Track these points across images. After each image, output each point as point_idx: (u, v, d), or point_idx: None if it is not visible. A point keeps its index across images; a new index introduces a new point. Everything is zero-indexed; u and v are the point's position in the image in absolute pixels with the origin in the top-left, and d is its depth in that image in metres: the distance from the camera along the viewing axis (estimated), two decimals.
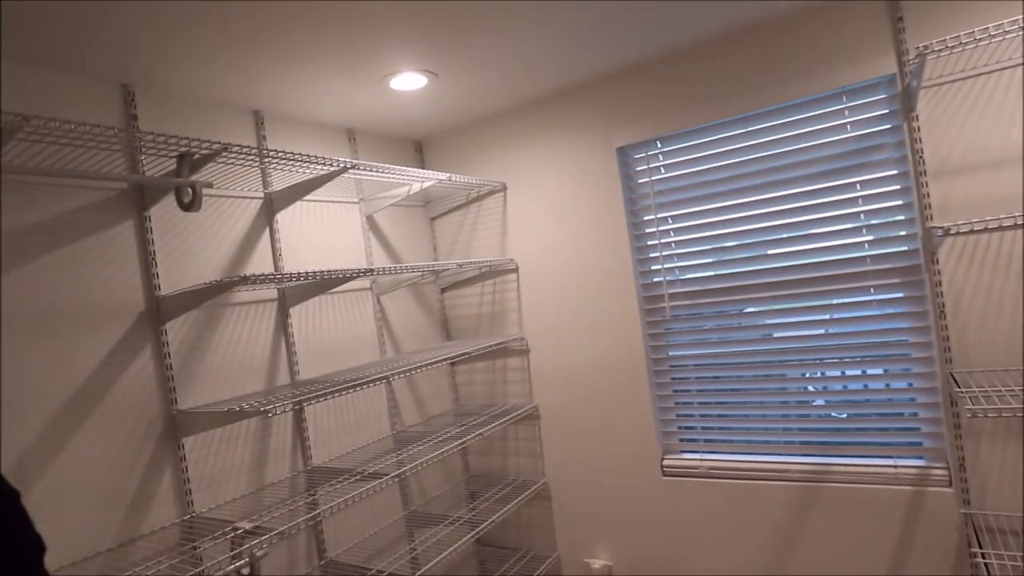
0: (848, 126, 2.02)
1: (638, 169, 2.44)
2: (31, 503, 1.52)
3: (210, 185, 1.63)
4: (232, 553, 1.55)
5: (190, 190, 1.62)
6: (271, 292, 2.17)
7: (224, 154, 1.64)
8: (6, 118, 1.27)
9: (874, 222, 2.01)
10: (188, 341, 1.91)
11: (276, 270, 2.20)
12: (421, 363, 2.16)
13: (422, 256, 2.91)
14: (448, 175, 2.40)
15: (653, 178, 2.40)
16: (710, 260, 2.31)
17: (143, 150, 1.67)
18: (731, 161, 2.22)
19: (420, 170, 2.29)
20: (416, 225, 2.90)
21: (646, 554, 2.48)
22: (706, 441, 2.38)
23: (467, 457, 2.96)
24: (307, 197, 2.36)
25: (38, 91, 1.65)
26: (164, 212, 1.89)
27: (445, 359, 2.29)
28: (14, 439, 1.51)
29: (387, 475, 1.96)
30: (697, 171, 2.30)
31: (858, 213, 2.03)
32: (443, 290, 2.97)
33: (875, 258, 2.02)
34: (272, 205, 2.21)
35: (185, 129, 1.99)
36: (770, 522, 2.19)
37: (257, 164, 1.91)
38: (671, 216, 2.38)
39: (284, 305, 2.20)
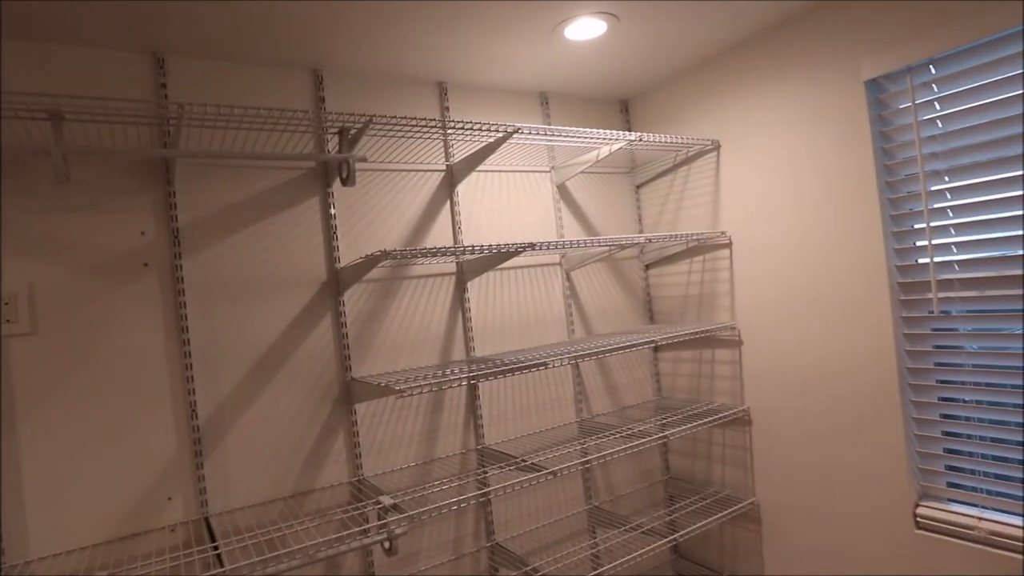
0: None
1: (899, 108, 1.77)
2: (226, 447, 1.74)
3: (364, 159, 1.62)
4: (367, 527, 1.56)
5: (346, 165, 1.64)
6: (449, 266, 2.15)
7: (372, 126, 1.62)
8: (208, 109, 1.40)
9: None
10: (365, 312, 1.99)
11: (455, 243, 2.17)
12: (604, 348, 1.92)
13: (625, 228, 2.62)
14: (639, 135, 2.07)
15: (921, 119, 1.72)
16: (1010, 234, 1.57)
17: (309, 128, 1.75)
18: None
19: (604, 131, 2.02)
20: (619, 194, 2.62)
21: None
22: (990, 493, 1.67)
23: (667, 456, 2.63)
24: (493, 167, 2.27)
25: (229, 82, 1.83)
26: (347, 188, 1.98)
27: (632, 345, 2.00)
28: (214, 390, 1.74)
29: (561, 466, 1.79)
30: (996, 103, 1.57)
31: None
32: (647, 267, 2.64)
33: None
34: (453, 177, 2.17)
35: (372, 107, 2.05)
36: None
37: (411, 135, 1.87)
38: (948, 171, 1.68)
39: (462, 279, 2.17)
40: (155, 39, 1.63)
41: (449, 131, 1.82)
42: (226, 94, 1.81)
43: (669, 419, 2.23)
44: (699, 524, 2.12)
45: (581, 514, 2.37)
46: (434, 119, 1.67)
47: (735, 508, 2.21)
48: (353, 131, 1.66)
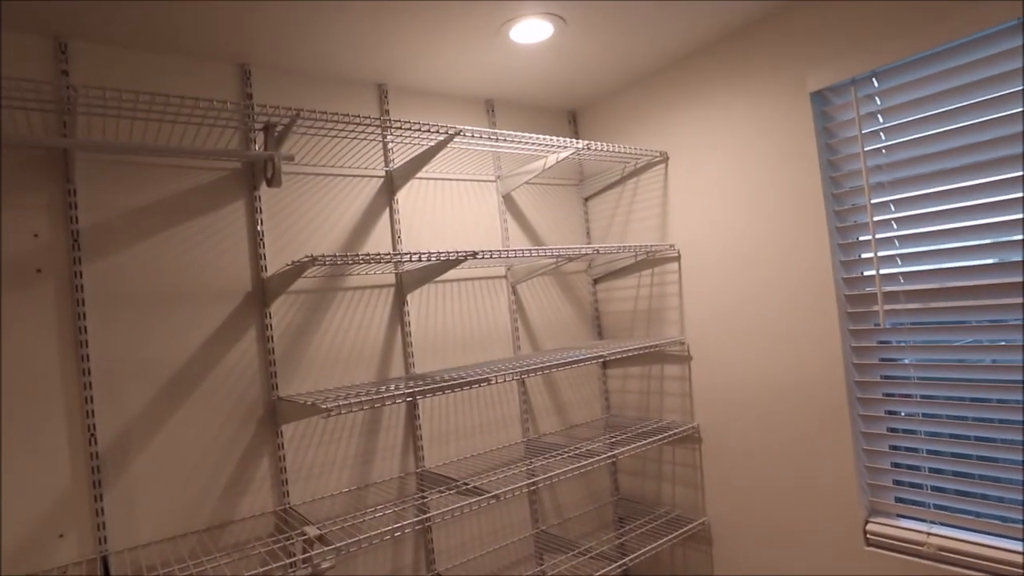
0: None
1: (843, 120, 1.77)
2: (131, 476, 1.55)
3: (291, 158, 1.50)
4: (289, 560, 1.41)
5: (271, 164, 1.51)
6: (387, 277, 2.03)
7: (300, 122, 1.50)
8: (107, 94, 1.25)
9: None
10: (295, 325, 1.84)
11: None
12: (549, 363, 1.83)
13: (573, 241, 2.55)
14: (586, 143, 2.01)
15: (865, 131, 1.72)
16: (955, 246, 1.57)
17: (230, 123, 1.61)
18: (990, 97, 1.47)
19: (551, 137, 1.95)
20: (567, 206, 2.55)
21: None
22: (938, 508, 1.65)
23: (616, 476, 2.54)
24: (435, 175, 2.17)
25: (143, 72, 1.67)
26: (275, 193, 1.84)
27: (579, 360, 1.92)
28: (118, 411, 1.55)
29: (504, 489, 1.67)
30: (939, 115, 1.58)
31: None
32: (596, 281, 2.58)
33: None
34: (392, 183, 2.06)
35: (305, 106, 1.92)
36: None
37: (345, 134, 1.75)
38: (892, 183, 1.68)
39: (401, 291, 2.05)
40: (57, 21, 1.47)
41: (386, 132, 1.71)
42: (139, 86, 1.66)
43: (618, 437, 2.15)
44: (649, 547, 2.04)
45: (528, 539, 2.25)
46: (368, 116, 1.56)
47: (685, 529, 2.13)
48: (280, 127, 1.53)
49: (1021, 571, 1.45)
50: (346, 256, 1.49)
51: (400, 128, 1.66)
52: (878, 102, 1.70)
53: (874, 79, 1.69)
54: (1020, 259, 1.46)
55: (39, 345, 1.47)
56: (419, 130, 1.66)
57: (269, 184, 1.53)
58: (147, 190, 1.65)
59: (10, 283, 1.44)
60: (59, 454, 1.47)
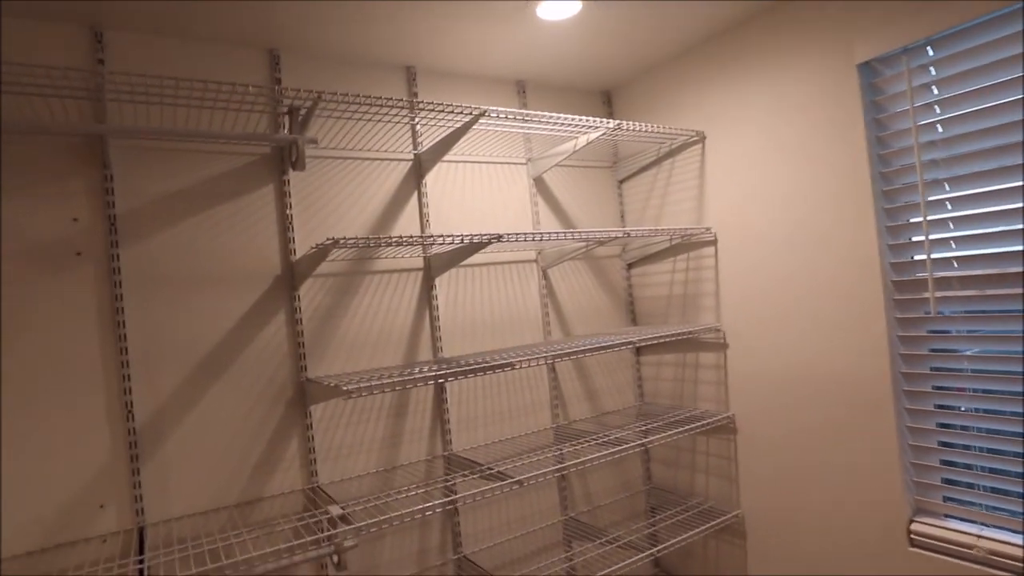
0: None
1: (894, 94, 1.65)
2: (167, 451, 1.61)
3: (315, 142, 1.50)
4: (311, 538, 1.43)
5: (295, 147, 1.52)
6: (415, 260, 2.03)
7: (323, 104, 1.50)
8: (134, 79, 1.28)
9: None
10: (323, 308, 1.86)
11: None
12: (578, 348, 1.79)
13: (606, 225, 2.49)
14: (617, 123, 1.94)
15: (918, 104, 1.60)
16: (1015, 228, 1.45)
17: (255, 107, 1.62)
18: None
19: (581, 117, 1.89)
20: (601, 189, 2.49)
21: None
22: (991, 509, 1.54)
23: (649, 465, 2.49)
24: (465, 158, 2.15)
25: (176, 60, 1.70)
26: (304, 177, 1.85)
27: (608, 346, 1.88)
28: (153, 390, 1.61)
29: (528, 475, 1.66)
30: (1000, 85, 1.45)
31: None
32: (630, 266, 2.51)
33: None
34: (421, 167, 2.05)
35: (333, 90, 1.92)
36: None
37: (369, 117, 1.75)
38: (947, 161, 1.56)
39: (429, 275, 2.04)
40: (94, 10, 1.51)
41: (411, 114, 1.70)
42: (172, 73, 1.69)
43: (650, 426, 2.10)
44: (680, 537, 1.99)
45: (556, 525, 2.24)
46: (389, 98, 1.54)
47: (718, 521, 2.07)
48: (303, 110, 1.54)
49: None
50: (368, 239, 1.49)
51: (423, 109, 1.64)
52: (932, 72, 1.57)
53: (929, 48, 1.56)
54: None
55: (79, 325, 1.53)
56: (442, 111, 1.63)
57: (294, 167, 1.54)
58: (180, 175, 1.69)
59: (52, 266, 1.51)
60: (99, 429, 1.53)
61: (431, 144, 2.01)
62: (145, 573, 1.29)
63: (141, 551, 1.41)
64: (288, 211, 1.81)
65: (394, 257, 1.98)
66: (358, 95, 1.52)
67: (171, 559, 1.39)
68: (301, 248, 1.83)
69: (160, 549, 1.49)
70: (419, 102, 1.62)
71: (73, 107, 1.55)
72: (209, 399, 1.68)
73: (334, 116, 1.82)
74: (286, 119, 1.69)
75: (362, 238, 1.48)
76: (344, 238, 1.46)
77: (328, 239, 1.43)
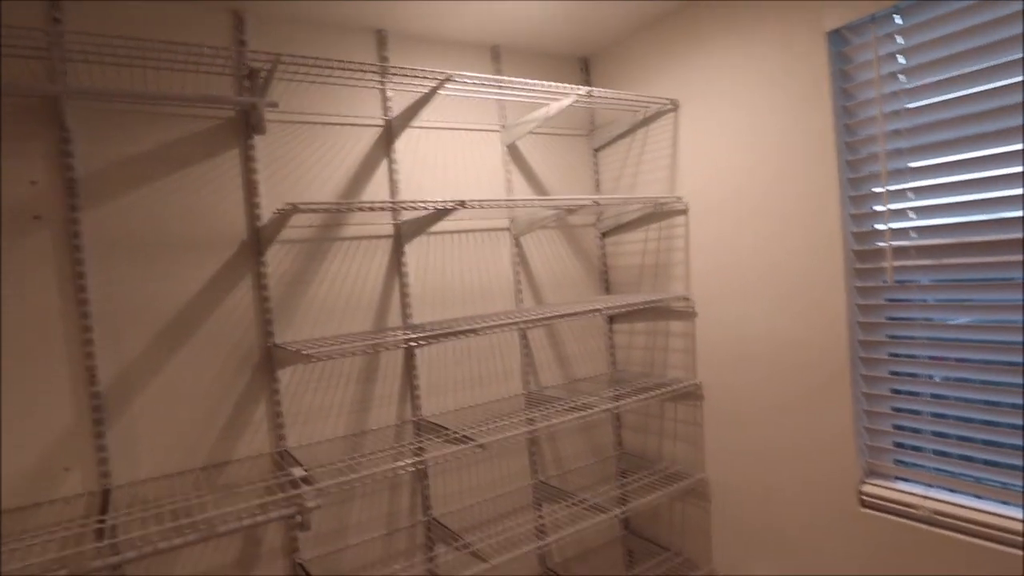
0: None
1: (860, 63, 1.65)
2: (132, 415, 1.62)
3: (274, 105, 1.48)
4: (272, 499, 1.46)
5: (255, 111, 1.50)
6: (385, 227, 2.02)
7: (283, 66, 1.47)
8: (86, 38, 1.25)
9: None
10: (291, 273, 1.86)
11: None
12: (545, 315, 1.81)
13: (580, 193, 2.49)
14: (588, 90, 1.93)
15: (884, 74, 1.60)
16: (969, 199, 1.46)
17: (213, 68, 1.59)
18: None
19: (551, 83, 1.87)
20: (576, 158, 2.48)
21: None
22: (938, 471, 1.59)
23: (620, 431, 2.54)
24: (436, 124, 2.12)
25: (134, 19, 1.66)
26: (271, 142, 1.83)
27: (575, 313, 1.89)
28: (117, 354, 1.61)
29: (492, 438, 1.69)
30: (965, 54, 1.45)
31: None
32: (604, 235, 2.52)
33: None
34: (391, 133, 2.03)
35: (302, 53, 1.89)
36: None
37: (333, 81, 1.72)
38: (910, 131, 1.56)
39: (399, 241, 2.04)
40: None
41: (380, 78, 1.68)
42: (134, 34, 1.65)
43: (619, 392, 2.13)
44: (646, 499, 2.04)
45: (526, 489, 2.29)
46: (352, 61, 1.52)
47: (683, 484, 2.13)
48: (264, 73, 1.51)
49: (1019, 537, 1.39)
50: (328, 205, 1.48)
51: (387, 73, 1.62)
52: (899, 41, 1.56)
53: (896, 16, 1.56)
54: None
55: (39, 289, 1.52)
56: (406, 75, 1.61)
57: (255, 131, 1.52)
58: (143, 138, 1.66)
59: (10, 229, 1.49)
60: (62, 393, 1.54)
61: (401, 109, 1.99)
62: (106, 532, 1.31)
63: (104, 512, 1.43)
64: (254, 176, 1.80)
65: (363, 224, 1.98)
66: (318, 58, 1.50)
67: (132, 519, 1.42)
68: (268, 214, 1.82)
69: (123, 509, 1.51)
70: (382, 65, 1.59)
71: (30, 68, 1.51)
72: (175, 363, 1.68)
73: (299, 80, 1.80)
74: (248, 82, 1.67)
75: (323, 203, 1.47)
76: (304, 203, 1.45)
77: (288, 204, 1.43)
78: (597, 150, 2.51)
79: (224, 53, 1.42)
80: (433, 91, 1.72)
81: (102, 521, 1.35)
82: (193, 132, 1.73)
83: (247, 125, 1.79)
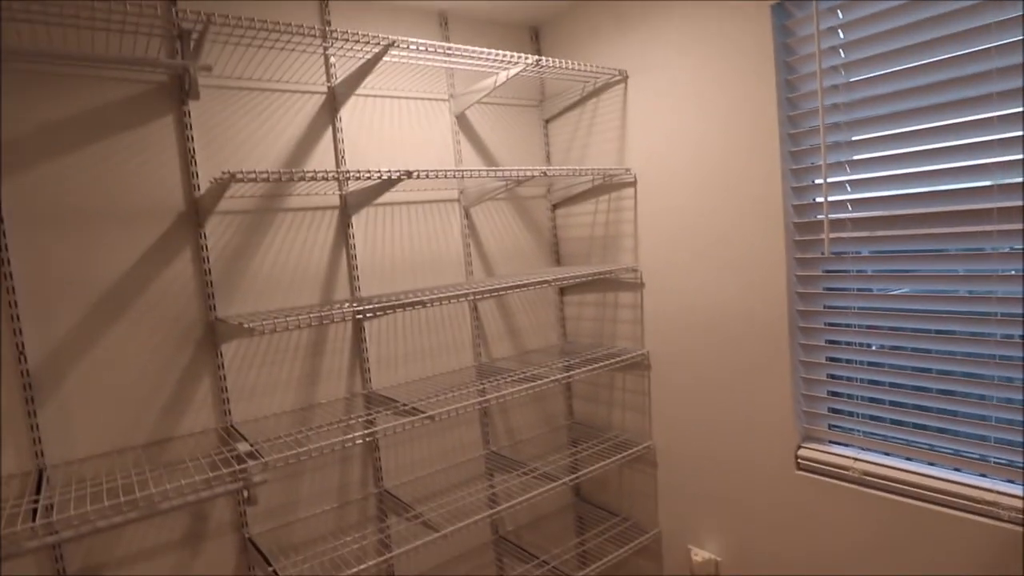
0: None
1: (802, 36, 1.67)
2: (66, 393, 1.57)
3: (208, 69, 1.42)
4: (216, 474, 1.44)
5: (187, 75, 1.43)
6: (331, 198, 1.98)
7: (214, 28, 1.41)
8: None
9: None
10: (232, 246, 1.80)
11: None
12: (492, 287, 1.81)
13: (531, 164, 2.48)
14: (536, 59, 1.91)
15: (824, 48, 1.62)
16: (904, 171, 1.51)
17: (138, 29, 1.51)
18: (957, 8, 1.37)
19: (499, 51, 1.84)
20: (526, 128, 2.46)
21: (764, 560, 1.90)
22: (867, 435, 1.67)
23: (571, 401, 2.58)
24: (383, 92, 2.07)
25: None
26: (209, 108, 1.76)
27: (522, 285, 1.89)
28: (47, 330, 1.55)
29: (440, 410, 1.69)
30: (902, 29, 1.48)
31: None
32: (555, 206, 2.52)
33: None
34: (336, 100, 1.97)
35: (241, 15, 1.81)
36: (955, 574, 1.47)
37: (271, 44, 1.66)
38: (847, 105, 1.60)
39: (346, 213, 2.00)
40: None
41: (321, 42, 1.62)
42: None
43: (570, 363, 2.16)
44: (595, 467, 2.09)
45: (478, 459, 2.31)
46: (288, 24, 1.46)
47: (631, 451, 2.18)
48: (195, 34, 1.44)
49: (937, 494, 1.48)
50: (268, 173, 1.44)
51: (327, 37, 1.56)
52: (840, 16, 1.59)
53: None
54: (969, 186, 1.41)
55: None
56: (347, 40, 1.56)
57: (188, 96, 1.46)
58: (69, 103, 1.57)
59: None
60: None
61: (345, 76, 1.93)
62: (39, 512, 1.27)
63: (39, 492, 1.39)
64: (190, 144, 1.73)
65: (308, 194, 1.93)
66: (254, 19, 1.43)
67: (68, 498, 1.38)
68: (205, 183, 1.76)
69: (58, 488, 1.47)
70: (322, 28, 1.54)
71: None
72: (110, 339, 1.63)
73: (235, 43, 1.72)
74: (180, 44, 1.59)
75: (262, 172, 1.42)
76: (243, 172, 1.40)
77: (225, 172, 1.38)
78: (548, 121, 2.50)
79: (149, 11, 1.34)
80: (377, 57, 1.67)
81: (36, 501, 1.31)
82: (123, 97, 1.64)
83: (181, 90, 1.71)
